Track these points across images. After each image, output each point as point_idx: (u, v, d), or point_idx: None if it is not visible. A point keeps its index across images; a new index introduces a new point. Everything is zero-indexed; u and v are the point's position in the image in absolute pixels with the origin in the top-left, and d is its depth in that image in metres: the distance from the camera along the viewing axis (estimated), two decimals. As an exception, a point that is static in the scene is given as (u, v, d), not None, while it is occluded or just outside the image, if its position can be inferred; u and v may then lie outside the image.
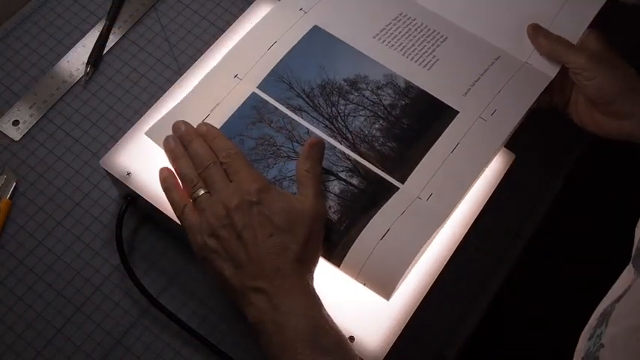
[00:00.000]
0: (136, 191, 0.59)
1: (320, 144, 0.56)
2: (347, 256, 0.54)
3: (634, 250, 0.42)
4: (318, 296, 0.51)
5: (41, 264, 0.63)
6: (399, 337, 0.55)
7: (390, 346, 0.55)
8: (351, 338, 0.55)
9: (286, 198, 0.53)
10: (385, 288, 0.54)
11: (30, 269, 0.62)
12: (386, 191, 0.58)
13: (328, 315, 0.51)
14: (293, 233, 0.51)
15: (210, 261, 0.52)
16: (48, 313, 0.61)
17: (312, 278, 0.53)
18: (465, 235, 0.60)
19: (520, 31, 0.65)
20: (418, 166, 0.59)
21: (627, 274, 0.41)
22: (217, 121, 0.60)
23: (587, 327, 0.41)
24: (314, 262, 0.53)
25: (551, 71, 0.63)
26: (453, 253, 0.59)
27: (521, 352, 0.85)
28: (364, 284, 0.54)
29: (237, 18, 0.67)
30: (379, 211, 0.56)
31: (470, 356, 0.66)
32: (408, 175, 0.58)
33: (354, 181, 0.58)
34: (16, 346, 0.59)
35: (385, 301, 0.54)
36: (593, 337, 0.37)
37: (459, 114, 0.61)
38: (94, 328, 0.61)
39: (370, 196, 0.57)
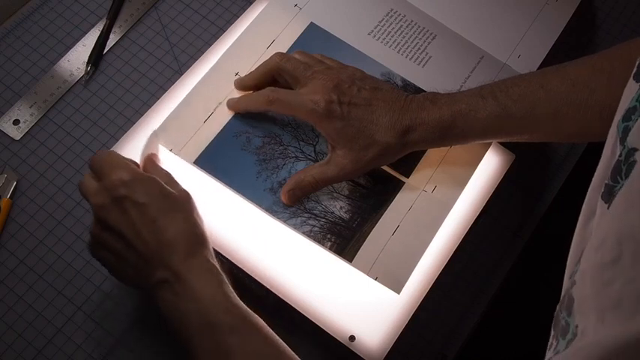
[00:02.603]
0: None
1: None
2: (359, 252, 0.56)
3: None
4: (219, 273, 0.51)
5: (41, 263, 0.62)
6: (399, 336, 0.56)
7: (391, 345, 0.55)
8: (352, 337, 0.55)
9: (154, 181, 0.53)
10: (397, 282, 0.55)
11: (30, 268, 0.62)
12: (393, 187, 0.59)
13: (231, 291, 0.50)
14: (175, 212, 0.51)
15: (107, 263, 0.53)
16: (48, 313, 0.61)
17: (211, 254, 0.52)
18: (465, 235, 0.60)
19: (498, 33, 0.68)
20: (422, 160, 0.60)
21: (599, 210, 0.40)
22: (220, 119, 0.60)
23: (567, 269, 0.41)
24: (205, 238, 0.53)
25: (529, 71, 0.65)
26: (454, 253, 0.59)
27: (521, 351, 0.85)
28: (375, 279, 0.55)
29: (238, 17, 0.67)
30: (388, 208, 0.58)
31: (470, 356, 0.66)
32: (413, 169, 0.59)
33: (361, 180, 0.59)
34: (16, 345, 0.59)
35: (387, 299, 0.55)
36: (573, 276, 0.37)
37: None
38: (94, 328, 0.61)
39: (378, 194, 0.58)
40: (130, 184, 0.51)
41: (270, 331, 0.50)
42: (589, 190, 0.40)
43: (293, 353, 0.49)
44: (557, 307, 0.38)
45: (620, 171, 0.35)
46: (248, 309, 0.50)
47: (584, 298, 0.35)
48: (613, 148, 0.38)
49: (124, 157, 0.54)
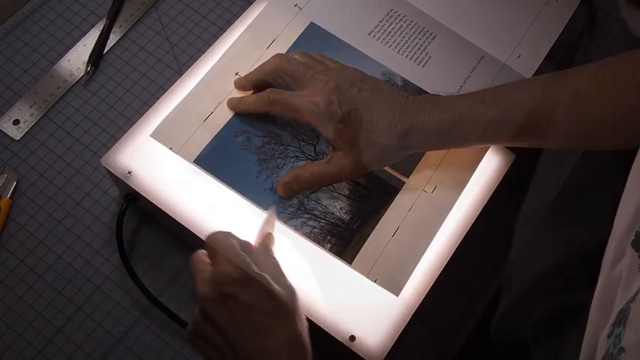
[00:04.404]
0: (137, 190, 0.59)
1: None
2: (359, 254, 0.56)
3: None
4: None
5: (42, 263, 0.62)
6: (399, 336, 0.56)
7: (391, 345, 0.55)
8: (352, 337, 0.55)
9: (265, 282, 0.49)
10: (396, 284, 0.55)
11: (30, 268, 0.62)
12: (393, 187, 0.59)
13: None
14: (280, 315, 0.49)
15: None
16: (48, 313, 0.61)
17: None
18: (466, 235, 0.60)
19: (498, 33, 0.68)
20: (422, 160, 0.60)
21: (629, 259, 0.40)
22: (221, 119, 0.60)
23: (595, 316, 0.40)
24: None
25: (528, 73, 0.66)
26: (454, 253, 0.59)
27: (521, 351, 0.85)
28: (375, 281, 0.55)
29: (238, 17, 0.67)
30: (388, 209, 0.58)
31: (470, 356, 0.66)
32: (413, 170, 0.59)
33: (361, 180, 0.59)
34: (16, 345, 0.59)
35: (387, 300, 0.55)
36: (612, 337, 0.36)
37: None
38: (94, 328, 0.61)
39: (378, 194, 0.58)
40: (240, 282, 0.48)
41: None
42: (614, 232, 0.39)
43: None
44: None
45: None
46: None
47: None
48: None
49: (239, 242, 0.51)
